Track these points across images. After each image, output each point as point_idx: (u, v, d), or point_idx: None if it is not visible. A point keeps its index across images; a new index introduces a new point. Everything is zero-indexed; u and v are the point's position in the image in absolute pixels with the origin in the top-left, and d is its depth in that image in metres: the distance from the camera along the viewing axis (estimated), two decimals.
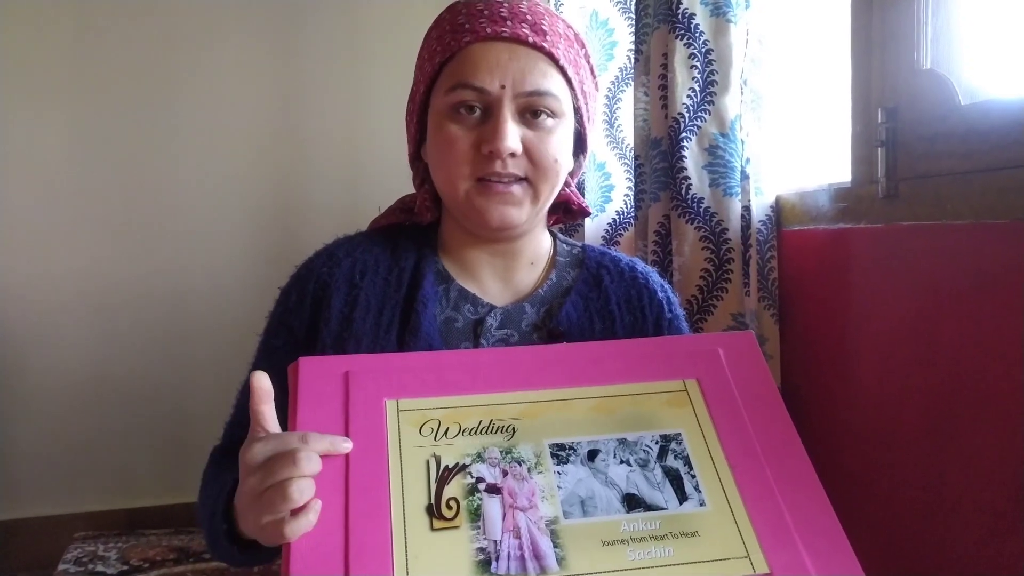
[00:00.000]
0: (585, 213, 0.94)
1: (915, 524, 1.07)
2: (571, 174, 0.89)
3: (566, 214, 0.95)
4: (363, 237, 0.89)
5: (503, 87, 0.76)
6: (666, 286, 0.93)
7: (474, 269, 0.87)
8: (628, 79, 1.55)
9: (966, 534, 0.98)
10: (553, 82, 0.79)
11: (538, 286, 0.88)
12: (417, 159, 0.87)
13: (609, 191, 1.59)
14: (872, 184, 1.13)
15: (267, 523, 0.59)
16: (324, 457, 0.63)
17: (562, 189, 0.86)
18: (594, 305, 0.87)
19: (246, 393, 0.86)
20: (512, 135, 0.76)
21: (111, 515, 2.10)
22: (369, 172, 2.14)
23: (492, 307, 0.85)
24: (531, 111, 0.78)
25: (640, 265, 0.93)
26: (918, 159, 1.07)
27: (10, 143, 1.98)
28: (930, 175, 1.05)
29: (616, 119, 1.58)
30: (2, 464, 2.02)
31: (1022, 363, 0.90)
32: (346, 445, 0.63)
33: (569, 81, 0.81)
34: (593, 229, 1.58)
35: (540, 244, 0.89)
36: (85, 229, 2.04)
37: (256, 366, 0.86)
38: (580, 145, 0.87)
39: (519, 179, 0.79)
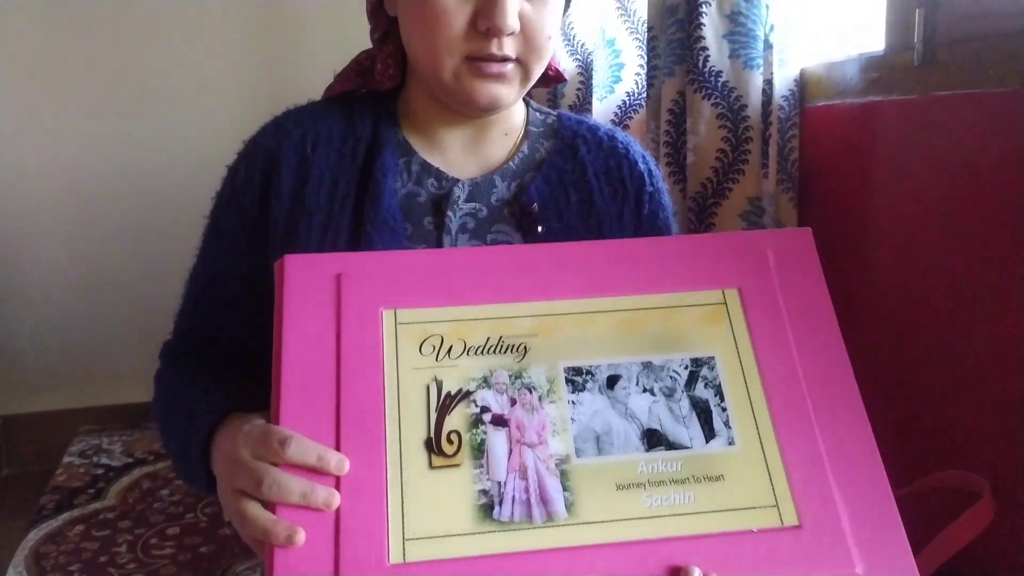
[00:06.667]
0: (560, 79, 0.86)
1: (934, 411, 1.03)
2: None
3: (541, 80, 0.87)
4: (315, 106, 0.82)
5: None
6: (648, 157, 0.86)
7: (440, 140, 0.79)
8: None
9: (985, 421, 0.95)
10: None
11: (509, 158, 0.81)
12: (379, 8, 0.77)
13: (619, 70, 1.49)
14: (907, 51, 1.03)
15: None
16: (313, 374, 0.58)
17: None
18: (569, 177, 0.80)
19: (197, 280, 0.81)
20: (513, 10, 0.68)
21: (115, 409, 2.10)
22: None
23: (458, 180, 0.78)
24: None
25: (620, 134, 0.86)
26: (960, 20, 0.97)
27: None
28: (973, 37, 0.96)
29: None
30: (4, 360, 2.01)
31: None
32: (343, 467, 0.55)
33: None
34: (602, 111, 1.49)
35: (515, 114, 0.82)
36: (69, 120, 1.96)
37: (206, 250, 0.81)
38: (565, 4, 0.79)
39: (511, 59, 0.71)
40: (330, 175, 0.76)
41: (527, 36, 0.71)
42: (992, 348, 0.93)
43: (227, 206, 0.79)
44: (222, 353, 0.81)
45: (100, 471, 1.87)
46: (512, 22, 0.68)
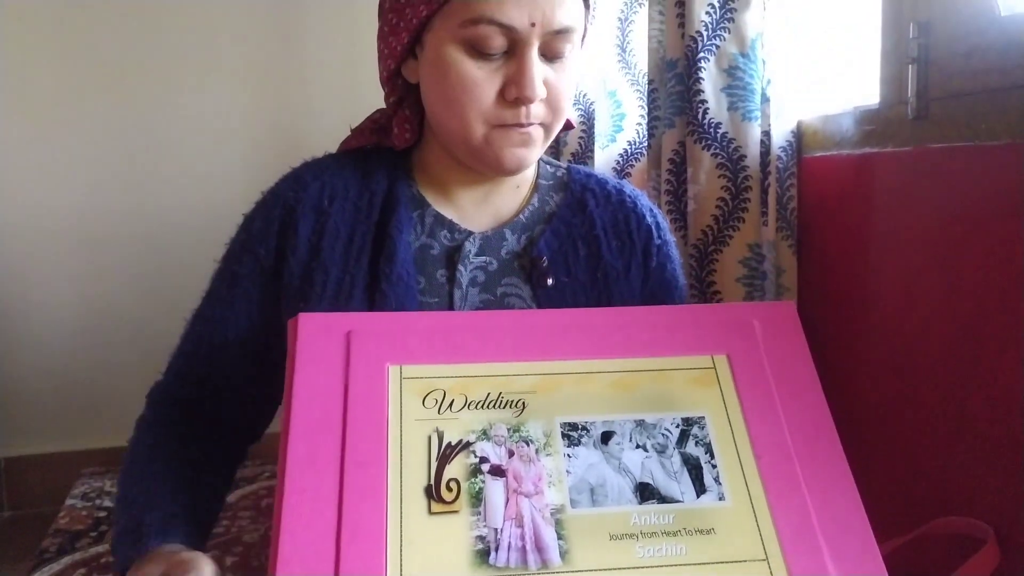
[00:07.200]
0: (569, 126, 0.89)
1: (935, 458, 1.04)
2: None
3: None
4: (332, 160, 0.84)
5: (533, 24, 0.68)
6: (655, 210, 0.88)
7: (453, 193, 0.81)
8: (642, 0, 1.47)
9: (988, 468, 0.95)
10: (577, 12, 0.72)
11: (519, 211, 0.83)
12: (396, 75, 0.79)
13: (620, 120, 1.53)
14: (901, 104, 1.07)
15: None
16: (321, 422, 0.60)
17: None
18: (578, 231, 0.82)
19: (202, 322, 0.82)
20: (540, 79, 0.71)
21: (118, 452, 2.09)
22: (373, 105, 2.07)
23: (470, 233, 0.80)
24: (554, 48, 0.71)
25: (628, 188, 0.88)
26: (952, 76, 1.01)
27: (0, 75, 1.92)
28: (964, 93, 0.99)
29: (628, 43, 1.50)
30: (8, 401, 2.02)
31: None
32: None
33: (587, 3, 0.75)
34: (604, 160, 1.53)
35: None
36: (79, 164, 1.99)
37: (215, 293, 0.82)
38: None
39: (535, 123, 0.74)
40: (346, 229, 0.78)
41: (551, 101, 0.73)
42: (994, 393, 0.94)
43: (241, 253, 0.81)
44: (209, 404, 0.81)
45: (102, 514, 1.86)
46: (540, 91, 0.71)
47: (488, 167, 0.76)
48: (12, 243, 1.98)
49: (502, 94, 0.71)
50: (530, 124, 0.73)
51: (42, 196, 1.98)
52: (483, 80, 0.70)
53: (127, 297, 2.05)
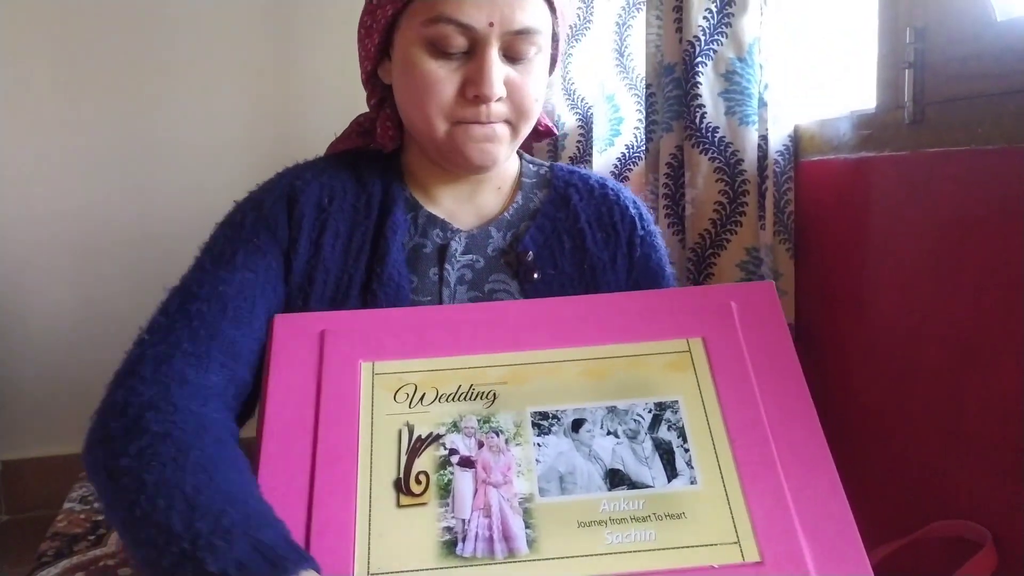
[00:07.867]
0: (550, 134, 0.90)
1: (932, 461, 1.04)
2: None
3: (532, 135, 0.90)
4: (325, 162, 0.85)
5: (491, 24, 0.70)
6: (639, 202, 0.89)
7: (437, 194, 0.83)
8: (640, 4, 1.47)
9: (985, 472, 0.96)
10: (540, 15, 0.74)
11: (504, 209, 0.84)
12: (374, 76, 0.81)
13: (618, 124, 1.53)
14: (898, 109, 1.07)
15: None
16: (294, 421, 0.60)
17: None
18: (562, 225, 0.83)
19: (205, 282, 0.75)
20: (499, 79, 0.72)
21: None
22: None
23: (459, 231, 0.81)
24: (516, 48, 0.73)
25: (610, 182, 0.89)
26: (948, 81, 1.01)
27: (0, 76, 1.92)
28: (960, 98, 0.99)
29: (626, 47, 1.51)
30: (6, 403, 2.02)
31: None
32: None
33: (553, 8, 0.76)
34: (602, 164, 1.53)
35: (508, 167, 0.86)
36: (79, 167, 1.99)
37: (226, 261, 0.74)
38: (551, 66, 0.83)
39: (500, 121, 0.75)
40: (346, 229, 0.79)
41: (514, 101, 0.74)
42: (991, 397, 0.95)
43: (254, 227, 0.77)
44: (201, 372, 0.69)
45: (100, 517, 1.86)
46: (498, 89, 0.72)
47: (456, 165, 0.78)
48: (10, 246, 1.98)
49: (463, 93, 0.73)
50: (491, 123, 0.74)
51: (42, 199, 1.98)
52: (444, 78, 0.72)
53: (126, 300, 2.05)
